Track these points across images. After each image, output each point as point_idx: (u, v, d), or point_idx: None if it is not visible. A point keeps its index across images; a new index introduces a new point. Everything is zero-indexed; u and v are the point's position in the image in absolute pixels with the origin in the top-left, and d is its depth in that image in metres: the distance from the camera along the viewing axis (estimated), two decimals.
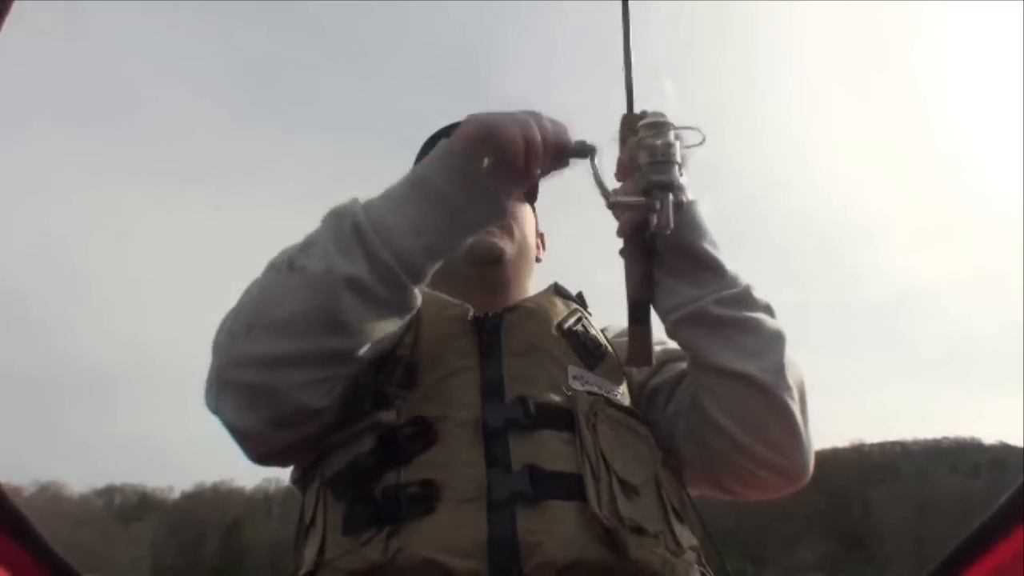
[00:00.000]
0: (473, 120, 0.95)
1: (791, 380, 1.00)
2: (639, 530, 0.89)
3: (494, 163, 0.94)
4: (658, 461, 1.00)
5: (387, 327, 0.95)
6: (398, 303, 0.94)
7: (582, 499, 0.88)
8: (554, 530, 0.86)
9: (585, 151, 1.00)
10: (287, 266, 0.93)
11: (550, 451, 0.92)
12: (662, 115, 1.00)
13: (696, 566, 0.95)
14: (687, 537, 0.96)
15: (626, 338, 1.11)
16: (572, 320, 1.10)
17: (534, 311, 1.08)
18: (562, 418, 0.95)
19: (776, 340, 1.01)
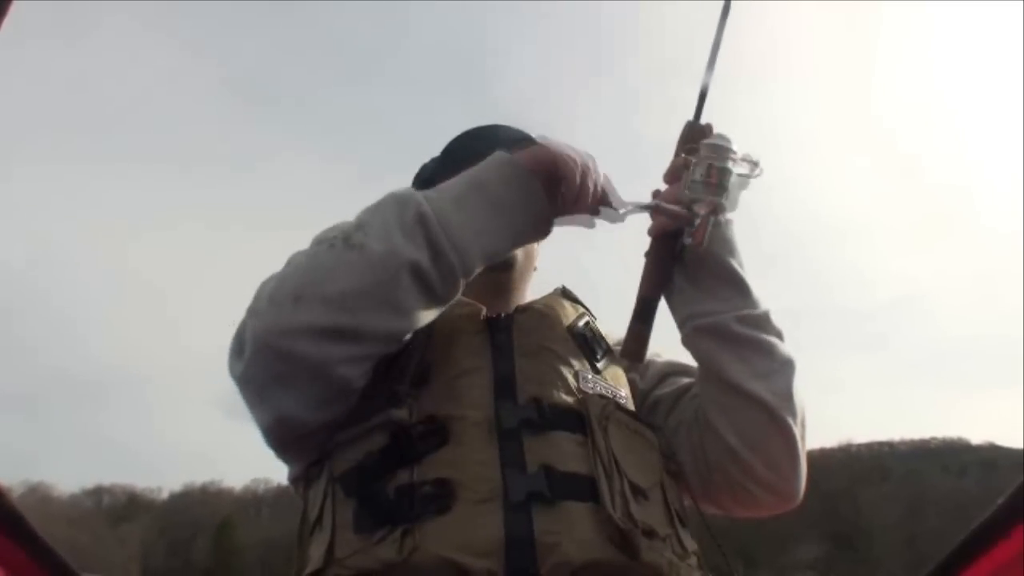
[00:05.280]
0: (545, 145, 0.99)
1: (797, 406, 1.03)
2: (650, 533, 0.89)
3: (549, 190, 0.98)
4: (662, 466, 1.00)
5: (430, 316, 0.96)
6: (446, 296, 0.95)
7: (595, 501, 0.88)
8: (571, 531, 0.86)
9: (616, 215, 1.03)
10: (343, 242, 0.92)
11: (563, 452, 0.92)
12: (727, 139, 1.02)
13: (698, 570, 0.96)
14: (690, 541, 0.97)
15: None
16: (580, 323, 1.11)
17: (545, 313, 1.09)
18: (574, 420, 0.95)
19: (787, 365, 1.05)
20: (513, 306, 1.12)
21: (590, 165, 1.00)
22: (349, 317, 0.89)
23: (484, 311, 1.06)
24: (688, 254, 1.05)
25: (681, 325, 1.07)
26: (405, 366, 0.98)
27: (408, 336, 0.95)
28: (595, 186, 1.00)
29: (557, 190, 0.98)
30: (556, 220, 1.02)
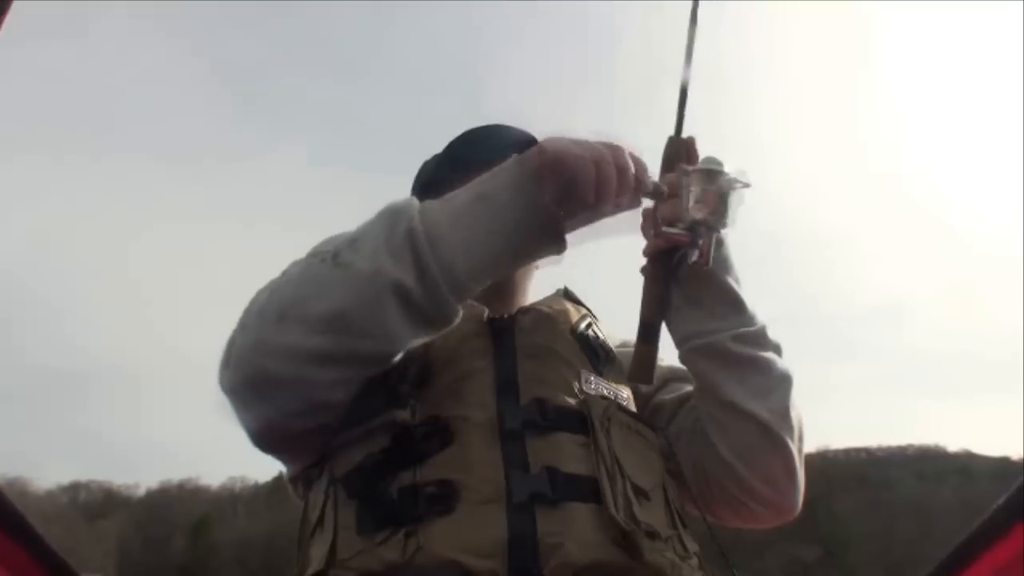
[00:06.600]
0: (550, 145, 0.92)
1: (794, 421, 1.04)
2: (652, 534, 0.90)
3: (563, 194, 0.91)
4: (663, 467, 1.01)
5: (420, 339, 0.94)
6: (439, 318, 0.92)
7: (597, 501, 0.88)
8: (574, 531, 0.86)
9: (660, 194, 0.99)
10: (332, 258, 0.90)
11: (566, 453, 0.92)
12: (718, 162, 0.99)
13: (699, 571, 0.96)
14: (691, 542, 0.97)
15: (626, 349, 1.12)
16: (583, 325, 1.11)
17: (547, 314, 1.09)
18: (576, 421, 0.95)
19: (784, 381, 1.05)
20: (515, 307, 1.12)
21: (606, 153, 0.92)
22: (331, 341, 0.88)
23: (486, 312, 1.06)
24: (683, 272, 1.04)
25: (678, 344, 1.07)
26: (406, 367, 0.97)
27: (395, 359, 0.94)
28: (623, 177, 0.92)
29: (572, 195, 0.91)
30: (580, 230, 0.96)
